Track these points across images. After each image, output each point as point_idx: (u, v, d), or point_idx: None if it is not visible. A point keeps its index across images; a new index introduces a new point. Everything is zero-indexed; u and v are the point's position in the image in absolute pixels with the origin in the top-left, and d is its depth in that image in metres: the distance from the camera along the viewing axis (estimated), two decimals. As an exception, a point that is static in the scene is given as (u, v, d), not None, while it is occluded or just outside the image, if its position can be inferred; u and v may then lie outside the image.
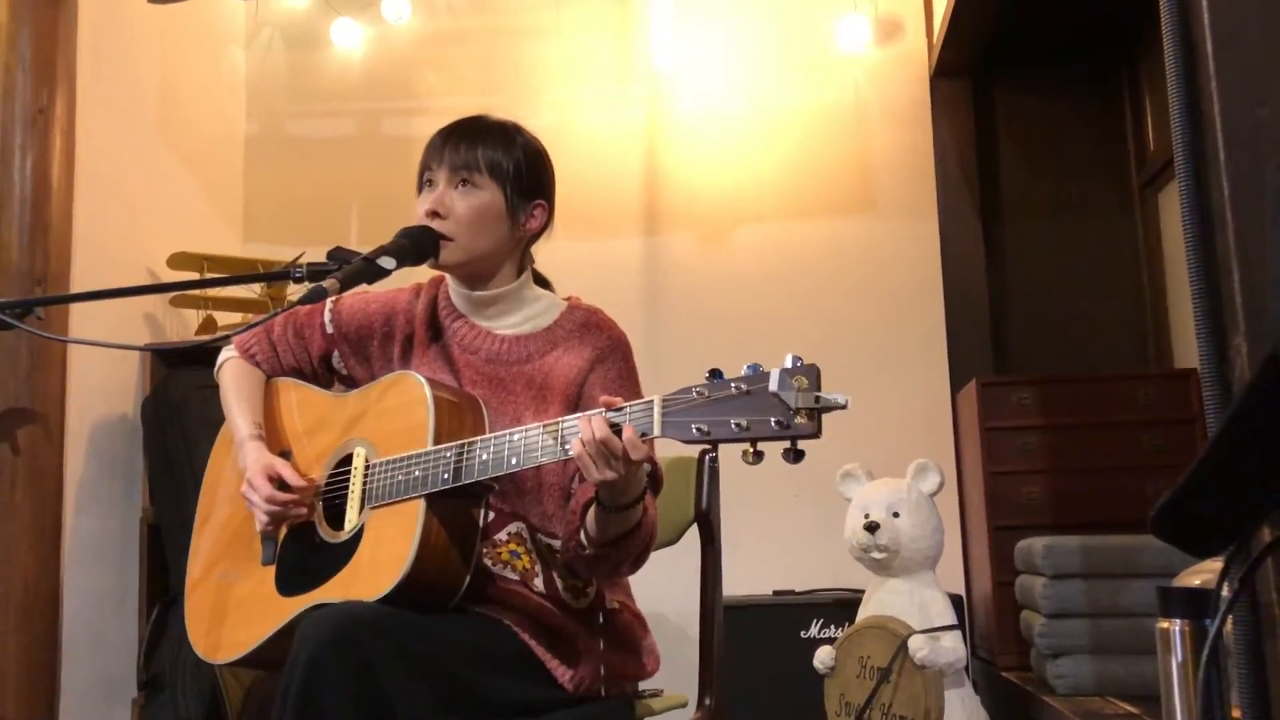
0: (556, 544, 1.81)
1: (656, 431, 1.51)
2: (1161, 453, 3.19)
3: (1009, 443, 3.24)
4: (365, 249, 1.76)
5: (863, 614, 2.86)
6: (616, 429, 1.54)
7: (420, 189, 1.90)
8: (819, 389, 1.42)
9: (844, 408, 1.40)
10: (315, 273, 1.72)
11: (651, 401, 1.52)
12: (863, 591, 3.09)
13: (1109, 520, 3.03)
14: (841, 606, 3.20)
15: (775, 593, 3.40)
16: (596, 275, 3.81)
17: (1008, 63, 3.92)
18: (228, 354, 2.01)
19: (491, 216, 1.86)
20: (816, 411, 1.41)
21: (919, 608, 2.72)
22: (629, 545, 1.71)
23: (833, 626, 3.20)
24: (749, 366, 1.46)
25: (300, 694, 1.51)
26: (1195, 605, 1.81)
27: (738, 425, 1.44)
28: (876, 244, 3.88)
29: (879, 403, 3.65)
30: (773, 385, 1.42)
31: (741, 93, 4.02)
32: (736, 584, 2.94)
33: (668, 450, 1.79)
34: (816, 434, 1.42)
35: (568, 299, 1.97)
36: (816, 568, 3.52)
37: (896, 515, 2.79)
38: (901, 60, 3.98)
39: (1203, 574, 2.05)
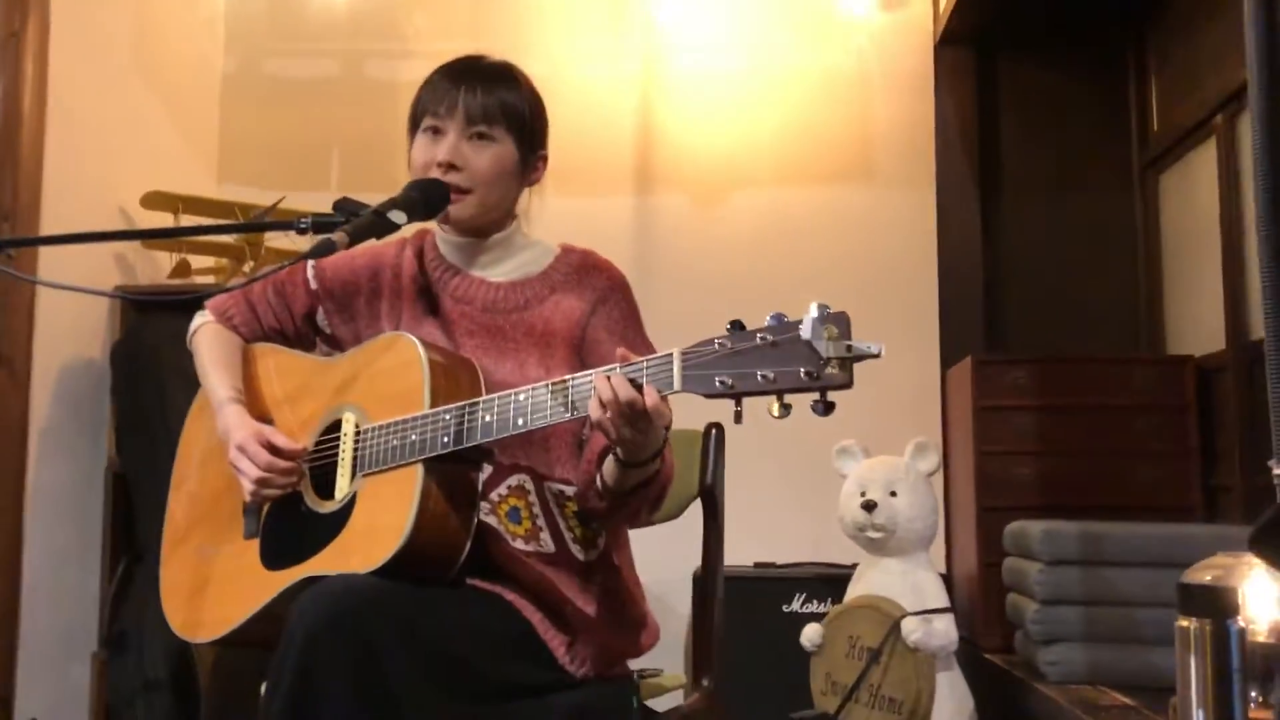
0: (569, 490, 1.74)
1: (677, 386, 1.43)
2: (1154, 439, 3.17)
3: (1001, 422, 3.20)
4: (347, 194, 1.68)
5: (853, 592, 2.82)
6: (636, 386, 1.46)
7: (415, 131, 1.80)
8: (849, 337, 1.35)
9: (878, 356, 1.34)
10: (321, 224, 1.62)
11: (670, 355, 1.44)
12: (846, 567, 3.05)
13: (1098, 505, 3.02)
14: (825, 582, 3.16)
15: (756, 565, 3.35)
16: (586, 233, 3.66)
17: (1014, 34, 3.84)
18: (202, 319, 1.91)
19: (507, 170, 1.80)
20: (848, 361, 1.34)
21: (912, 589, 2.68)
22: (647, 492, 1.67)
23: (815, 601, 3.16)
24: (772, 316, 1.39)
25: (296, 673, 1.43)
26: (1217, 604, 1.78)
27: (764, 377, 1.36)
28: (872, 213, 3.81)
29: (867, 376, 3.50)
30: (805, 332, 1.34)
31: (741, 50, 3.91)
32: (716, 554, 2.89)
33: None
34: (849, 384, 1.35)
35: (561, 245, 1.89)
36: (796, 540, 3.47)
37: (894, 494, 2.75)
38: (906, 26, 3.88)
39: (1213, 569, 2.01)
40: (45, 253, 2.74)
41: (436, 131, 1.77)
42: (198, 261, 3.31)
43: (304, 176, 3.87)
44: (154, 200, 3.15)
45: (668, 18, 3.93)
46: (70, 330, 2.98)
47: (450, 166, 1.75)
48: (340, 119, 3.95)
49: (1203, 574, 1.95)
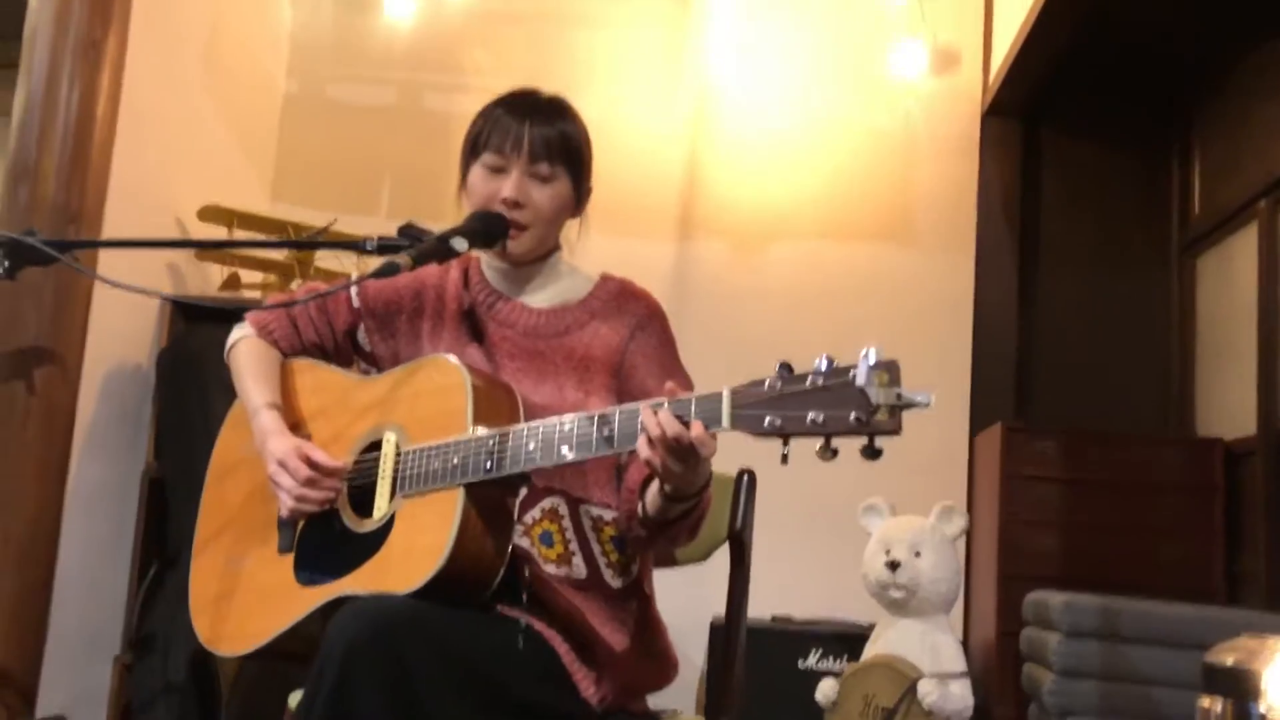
0: (607, 514, 1.75)
1: (725, 424, 1.44)
2: (1179, 519, 3.18)
3: (1028, 491, 3.22)
4: (395, 221, 1.73)
5: (870, 651, 2.82)
6: (683, 422, 1.48)
7: (473, 158, 1.82)
8: (900, 385, 1.36)
9: (927, 406, 1.34)
10: (387, 246, 1.67)
11: (720, 394, 1.46)
12: (864, 626, 3.05)
13: (1119, 581, 3.02)
14: (842, 640, 3.15)
15: (774, 618, 3.35)
16: (626, 273, 3.75)
17: (1061, 109, 3.90)
18: (241, 332, 1.92)
19: (564, 208, 1.85)
20: (898, 408, 1.36)
21: (930, 651, 2.68)
22: (687, 521, 1.68)
23: (831, 658, 3.15)
24: (822, 360, 1.41)
25: (333, 687, 1.45)
26: (1240, 684, 1.79)
27: (813, 420, 1.37)
28: (910, 275, 3.84)
29: (894, 437, 3.60)
30: (860, 379, 1.36)
31: (790, 106, 3.97)
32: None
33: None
34: (897, 431, 1.34)
35: (600, 273, 1.93)
36: (815, 596, 3.47)
37: (918, 555, 2.76)
38: (954, 93, 3.94)
39: (1236, 652, 2.02)
40: (104, 258, 2.80)
41: (499, 168, 1.81)
42: (248, 276, 3.38)
43: (355, 200, 3.94)
44: (210, 214, 3.21)
45: (720, 71, 4.00)
46: (120, 335, 3.04)
47: (515, 204, 1.80)
48: (394, 146, 4.03)
49: (1226, 656, 1.95)
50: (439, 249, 1.68)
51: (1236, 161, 3.47)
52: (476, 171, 1.82)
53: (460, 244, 1.72)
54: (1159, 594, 2.89)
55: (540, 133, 1.80)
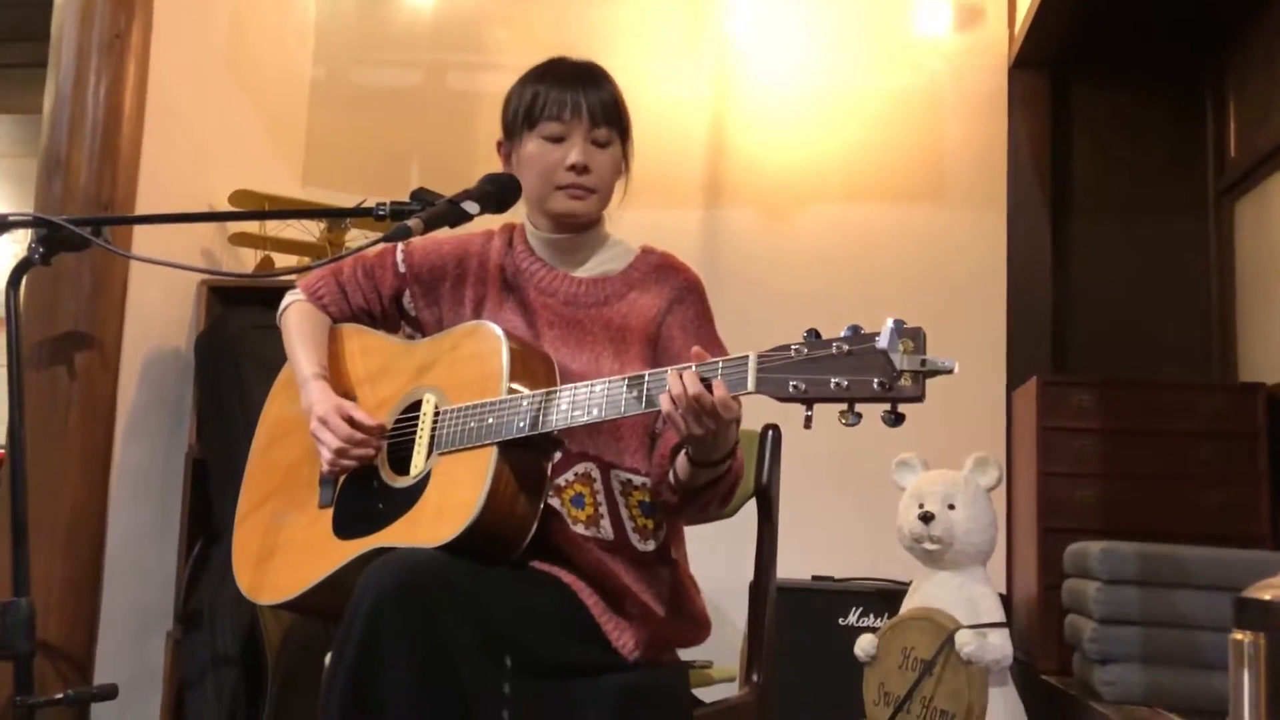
0: (637, 479, 1.78)
1: (751, 387, 1.47)
2: (1221, 466, 3.13)
3: (1065, 444, 3.18)
4: (423, 186, 1.75)
5: (908, 605, 2.82)
6: (707, 384, 1.50)
7: (528, 131, 1.83)
8: (924, 352, 1.38)
9: (951, 372, 1.36)
10: (398, 211, 1.70)
11: (746, 357, 1.49)
12: (904, 583, 3.05)
13: (1162, 531, 2.98)
14: (882, 597, 3.16)
15: (814, 578, 3.36)
16: (655, 243, 3.76)
17: (1089, 58, 3.83)
18: (292, 297, 1.98)
19: (619, 167, 1.89)
20: (922, 375, 1.37)
21: (967, 602, 2.67)
22: (716, 490, 1.71)
23: (872, 616, 3.16)
24: (848, 327, 1.43)
25: (361, 641, 1.48)
26: (1272, 618, 1.76)
27: (837, 384, 1.40)
28: (941, 233, 3.82)
29: (933, 393, 3.56)
30: (882, 343, 1.38)
31: (814, 70, 3.95)
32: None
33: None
34: (920, 398, 1.38)
35: (641, 246, 1.95)
36: (855, 555, 3.48)
37: (952, 507, 2.75)
38: (980, 48, 3.90)
39: (1274, 589, 1.99)
40: (139, 246, 2.85)
41: (560, 137, 1.83)
42: (281, 260, 3.43)
43: (384, 182, 3.97)
44: (241, 199, 3.26)
45: (742, 38, 3.99)
46: (158, 320, 3.10)
47: (585, 169, 1.82)
48: (421, 127, 4.06)
49: (1263, 592, 1.93)
50: (450, 211, 1.71)
51: (1272, 102, 3.40)
52: (534, 144, 1.83)
53: (471, 206, 1.74)
54: (1205, 541, 2.84)
55: (596, 98, 1.83)
